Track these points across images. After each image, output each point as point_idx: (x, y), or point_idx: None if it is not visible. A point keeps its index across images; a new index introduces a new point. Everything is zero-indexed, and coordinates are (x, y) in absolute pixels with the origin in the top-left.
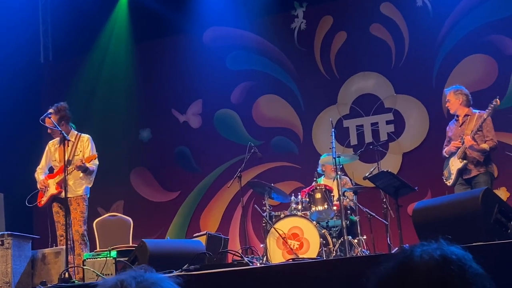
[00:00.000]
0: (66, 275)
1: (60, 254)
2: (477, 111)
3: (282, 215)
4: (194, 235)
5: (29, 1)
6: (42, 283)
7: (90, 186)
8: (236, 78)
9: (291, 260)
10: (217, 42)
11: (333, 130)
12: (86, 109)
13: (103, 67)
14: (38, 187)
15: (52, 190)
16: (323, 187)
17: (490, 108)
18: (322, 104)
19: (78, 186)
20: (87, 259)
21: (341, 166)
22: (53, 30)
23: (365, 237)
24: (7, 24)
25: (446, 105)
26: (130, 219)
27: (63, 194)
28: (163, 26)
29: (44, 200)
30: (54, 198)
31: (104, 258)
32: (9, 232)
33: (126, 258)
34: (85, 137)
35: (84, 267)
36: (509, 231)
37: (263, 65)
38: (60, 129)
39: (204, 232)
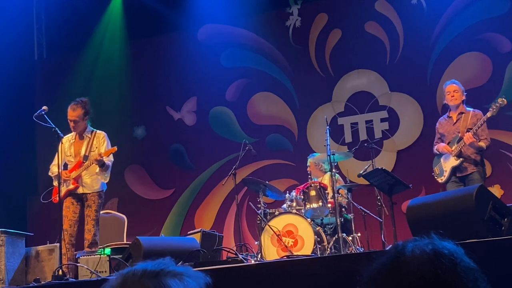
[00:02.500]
0: (60, 272)
1: (53, 251)
2: (471, 109)
3: (276, 213)
4: (189, 232)
5: None
6: (36, 281)
7: (106, 181)
8: (230, 76)
9: (285, 257)
10: (212, 39)
11: (327, 127)
12: None
13: (97, 64)
14: (63, 178)
15: (69, 185)
16: (317, 184)
17: (494, 107)
18: (316, 102)
19: (95, 182)
20: (81, 256)
21: (335, 164)
22: (47, 28)
23: (359, 234)
24: (1, 21)
25: (451, 94)
26: (124, 216)
27: (79, 189)
28: (157, 24)
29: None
30: (69, 194)
31: (98, 256)
32: (3, 229)
33: (120, 256)
34: (101, 134)
35: (78, 264)
36: (502, 228)
37: (258, 63)
38: (53, 125)
39: (199, 229)
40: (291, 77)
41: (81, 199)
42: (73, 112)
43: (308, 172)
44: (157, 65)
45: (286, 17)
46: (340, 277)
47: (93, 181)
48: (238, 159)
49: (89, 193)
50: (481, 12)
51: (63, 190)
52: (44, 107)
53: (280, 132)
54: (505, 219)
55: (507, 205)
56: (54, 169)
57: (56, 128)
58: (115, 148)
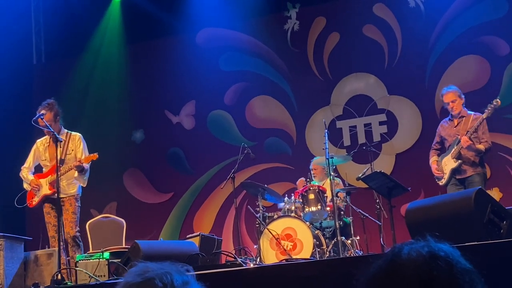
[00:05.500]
0: (59, 276)
1: (52, 255)
2: (472, 112)
3: (275, 216)
4: (187, 236)
5: (21, 2)
6: (35, 285)
7: (84, 185)
8: (229, 79)
9: (284, 261)
10: (210, 43)
11: (326, 131)
12: (78, 110)
13: (95, 68)
14: (31, 186)
15: (45, 190)
16: (316, 188)
17: (490, 108)
18: (315, 105)
19: (71, 186)
20: (80, 260)
21: (334, 167)
22: (45, 32)
23: (358, 237)
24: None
25: (451, 106)
26: (123, 220)
27: (56, 194)
28: (156, 27)
29: (36, 200)
30: (46, 199)
31: (97, 260)
32: (1, 234)
33: (119, 260)
34: (77, 136)
35: (77, 268)
36: (501, 231)
37: (256, 66)
38: (52, 130)
39: (198, 233)
40: (289, 80)
41: (57, 203)
42: (40, 119)
43: (313, 174)
44: (155, 69)
45: (284, 21)
46: (339, 280)
47: (69, 185)
48: (237, 163)
49: (65, 197)
50: (479, 15)
51: (39, 195)
52: (43, 111)
53: (278, 135)
54: (504, 222)
55: (506, 208)
56: (24, 173)
57: (55, 133)
58: (96, 155)
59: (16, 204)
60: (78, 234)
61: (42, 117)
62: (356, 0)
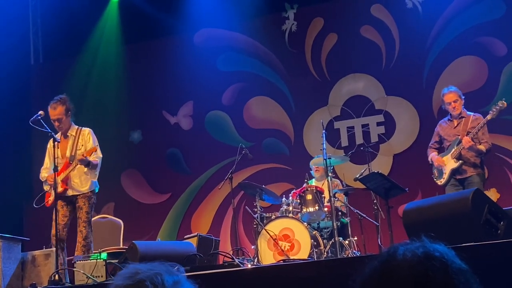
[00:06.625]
0: (56, 277)
1: (50, 256)
2: (472, 113)
3: (273, 217)
4: (185, 236)
5: (19, 2)
6: (32, 286)
7: (95, 180)
8: (227, 80)
9: (282, 262)
10: (208, 43)
11: (324, 131)
12: (76, 110)
13: (93, 68)
14: (48, 183)
15: (58, 188)
16: (314, 188)
17: (495, 109)
18: (313, 106)
19: (84, 182)
20: (77, 261)
21: (332, 168)
22: (43, 32)
23: (356, 238)
24: None
25: (452, 106)
26: (120, 221)
27: (69, 191)
28: (154, 28)
29: (51, 199)
30: (59, 197)
31: (95, 260)
32: None
33: (117, 260)
34: (86, 130)
35: (74, 269)
36: (498, 231)
37: (254, 67)
38: (50, 130)
39: (195, 233)
40: (287, 81)
41: (71, 201)
42: (54, 111)
43: (315, 170)
44: (153, 69)
45: (282, 21)
46: (337, 281)
47: (82, 181)
48: (235, 163)
49: (79, 195)
50: (477, 16)
51: (53, 193)
52: (41, 112)
53: (276, 136)
54: (501, 223)
55: (503, 208)
56: (43, 174)
57: (52, 133)
58: (96, 147)
59: (35, 205)
60: (90, 234)
61: (39, 117)
62: (354, 1)
